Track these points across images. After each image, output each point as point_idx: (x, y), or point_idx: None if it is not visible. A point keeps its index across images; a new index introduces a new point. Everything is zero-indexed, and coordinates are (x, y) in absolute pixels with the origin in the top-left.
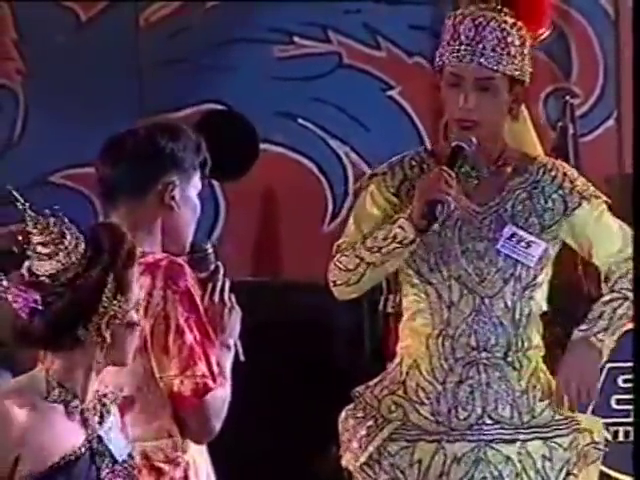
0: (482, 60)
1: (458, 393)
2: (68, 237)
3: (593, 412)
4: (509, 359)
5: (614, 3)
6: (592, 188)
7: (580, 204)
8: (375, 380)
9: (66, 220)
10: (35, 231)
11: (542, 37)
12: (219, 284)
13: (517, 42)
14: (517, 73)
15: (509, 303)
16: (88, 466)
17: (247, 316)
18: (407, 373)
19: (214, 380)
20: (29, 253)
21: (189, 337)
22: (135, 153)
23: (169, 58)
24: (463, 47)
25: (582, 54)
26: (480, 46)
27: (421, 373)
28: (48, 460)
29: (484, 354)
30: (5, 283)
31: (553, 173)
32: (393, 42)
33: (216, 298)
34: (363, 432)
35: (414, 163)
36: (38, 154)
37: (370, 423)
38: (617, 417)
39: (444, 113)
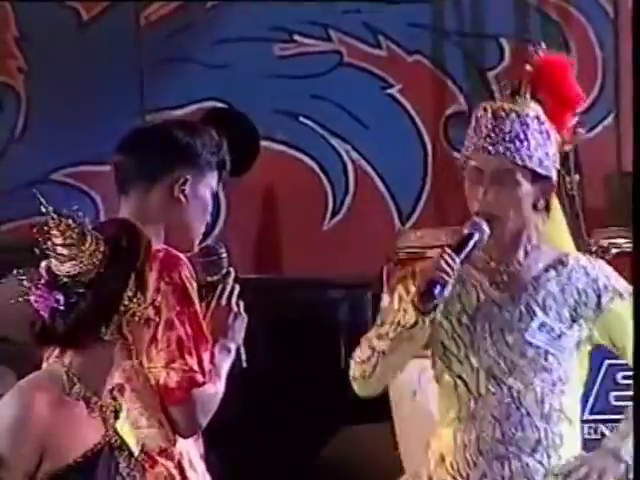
0: (499, 152)
1: None
2: (89, 239)
3: (592, 409)
4: (537, 456)
5: (613, 2)
6: (630, 287)
7: (613, 299)
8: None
9: (86, 221)
10: (56, 232)
11: (572, 132)
12: (228, 288)
13: (538, 136)
14: (537, 166)
15: (539, 396)
16: (109, 461)
17: (249, 313)
18: (435, 468)
19: (203, 375)
20: (49, 253)
21: (179, 330)
22: (150, 143)
23: (170, 56)
24: (482, 140)
25: (581, 52)
26: (499, 138)
27: (446, 467)
28: (70, 456)
29: (511, 449)
30: (26, 283)
31: (588, 269)
32: (393, 40)
33: (223, 302)
34: None
35: None
36: (40, 152)
37: None
38: (616, 414)
39: (444, 111)
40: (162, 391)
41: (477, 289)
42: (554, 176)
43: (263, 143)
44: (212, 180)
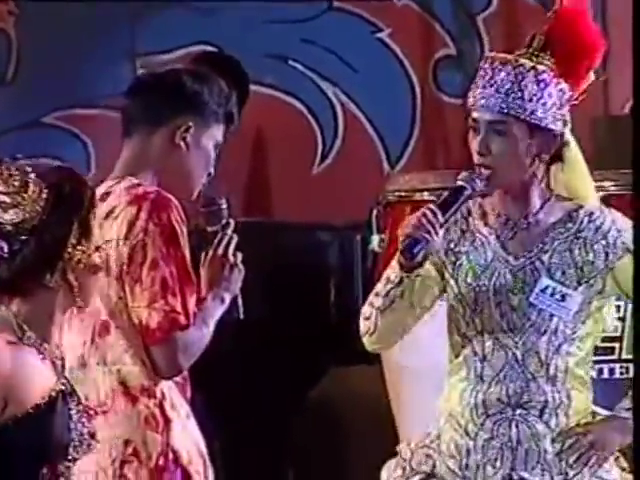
0: (492, 104)
1: (488, 450)
2: (31, 186)
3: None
4: (545, 417)
5: None
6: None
7: (623, 256)
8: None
9: (28, 168)
10: None
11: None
12: (226, 239)
13: (534, 87)
14: (532, 118)
15: (543, 358)
16: (63, 407)
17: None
18: (444, 427)
19: (187, 318)
20: None
21: (164, 271)
22: (156, 86)
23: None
24: (479, 91)
25: None
26: (493, 89)
27: (454, 427)
28: (30, 400)
29: (518, 411)
30: None
31: (599, 222)
32: None
33: (220, 252)
34: (383, 478)
35: (458, 217)
36: (31, 95)
37: (398, 473)
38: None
39: (433, 55)
40: (144, 330)
41: (485, 246)
42: (557, 127)
43: (252, 87)
44: (217, 132)
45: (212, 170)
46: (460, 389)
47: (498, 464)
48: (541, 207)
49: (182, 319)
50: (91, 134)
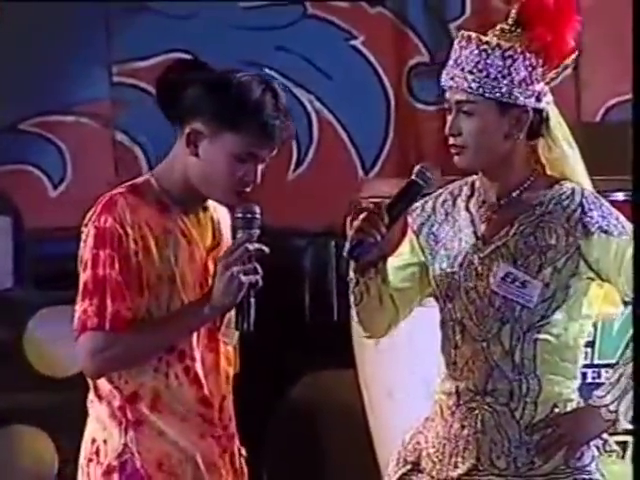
0: (458, 83)
1: (459, 439)
2: None
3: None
4: (512, 406)
5: None
6: (614, 221)
7: (588, 236)
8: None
9: None
10: None
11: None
12: (240, 249)
13: (500, 63)
14: (499, 95)
15: (507, 346)
16: None
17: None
18: (434, 416)
19: (101, 321)
20: None
21: (88, 273)
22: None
23: (136, 7)
24: (446, 70)
25: None
26: (459, 68)
27: (438, 414)
28: None
29: (488, 399)
30: None
31: (566, 203)
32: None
33: (231, 260)
34: (388, 471)
35: (448, 197)
36: (7, 101)
37: (393, 464)
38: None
39: (406, 62)
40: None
41: (461, 231)
42: (529, 103)
43: None
44: (231, 142)
45: (248, 180)
46: (442, 376)
47: (467, 454)
48: (518, 188)
49: (93, 322)
50: (67, 140)
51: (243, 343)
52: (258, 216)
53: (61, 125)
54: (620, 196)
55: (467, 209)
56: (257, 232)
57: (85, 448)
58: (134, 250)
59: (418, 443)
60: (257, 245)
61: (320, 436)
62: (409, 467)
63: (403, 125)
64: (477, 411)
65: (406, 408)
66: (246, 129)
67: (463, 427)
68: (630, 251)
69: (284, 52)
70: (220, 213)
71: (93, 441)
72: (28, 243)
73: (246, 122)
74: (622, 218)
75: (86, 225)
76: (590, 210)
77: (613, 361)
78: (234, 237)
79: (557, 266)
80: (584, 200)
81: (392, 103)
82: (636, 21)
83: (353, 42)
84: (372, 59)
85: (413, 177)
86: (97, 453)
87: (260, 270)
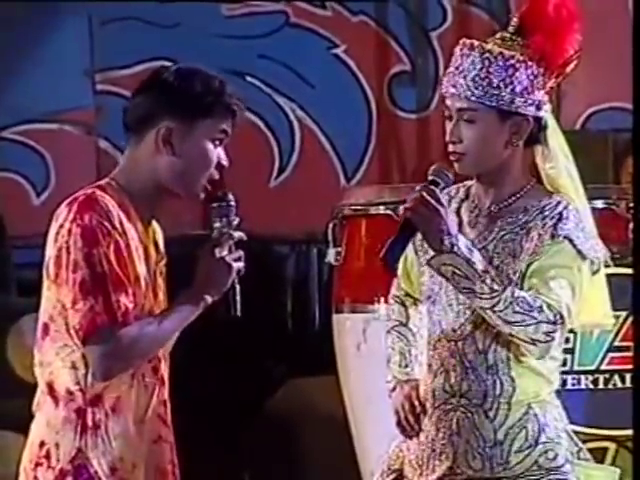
0: (459, 90)
1: (436, 442)
2: None
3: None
4: (486, 406)
5: None
6: (590, 241)
7: (551, 243)
8: None
9: None
10: None
11: (568, 66)
12: (226, 236)
13: (501, 72)
14: (501, 104)
15: (480, 347)
16: None
17: (196, 267)
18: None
19: (111, 317)
20: None
21: (84, 272)
22: (143, 90)
23: (119, 15)
24: (447, 78)
25: None
26: (461, 76)
27: (421, 414)
28: None
29: (463, 401)
30: None
31: (547, 212)
32: (338, 0)
33: (217, 252)
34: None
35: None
36: None
37: (378, 474)
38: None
39: (388, 70)
40: (73, 331)
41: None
42: (529, 111)
43: None
44: (212, 127)
45: (224, 162)
46: (423, 376)
47: (443, 456)
48: (513, 196)
49: (103, 318)
50: (50, 148)
51: (225, 349)
52: (233, 203)
53: (44, 133)
54: (599, 204)
55: (457, 213)
56: (236, 219)
57: (31, 452)
58: (123, 244)
59: (401, 451)
60: (239, 233)
61: (302, 442)
62: (393, 476)
63: (385, 133)
64: (452, 413)
65: (388, 414)
66: (217, 110)
67: (438, 430)
68: (600, 277)
69: (267, 60)
70: (157, 229)
71: (42, 444)
72: (11, 250)
73: (215, 103)
74: (600, 245)
75: (62, 226)
76: (566, 219)
77: (593, 368)
78: (211, 228)
79: (520, 273)
80: (564, 211)
81: (374, 111)
82: (636, 24)
83: (335, 50)
84: (354, 67)
85: (432, 177)
86: (47, 457)
87: (242, 256)
